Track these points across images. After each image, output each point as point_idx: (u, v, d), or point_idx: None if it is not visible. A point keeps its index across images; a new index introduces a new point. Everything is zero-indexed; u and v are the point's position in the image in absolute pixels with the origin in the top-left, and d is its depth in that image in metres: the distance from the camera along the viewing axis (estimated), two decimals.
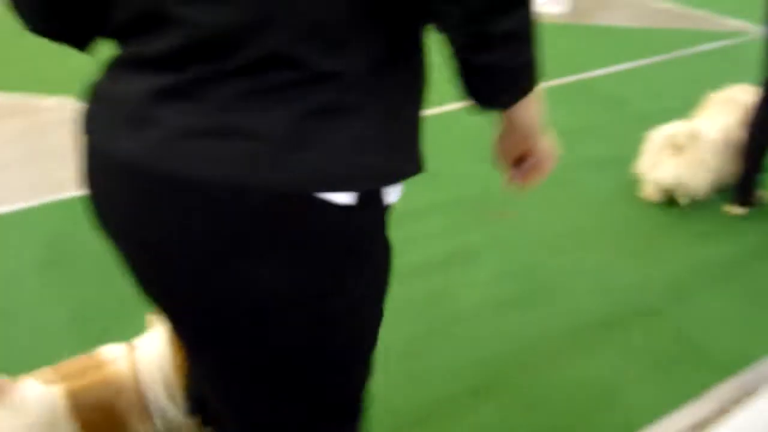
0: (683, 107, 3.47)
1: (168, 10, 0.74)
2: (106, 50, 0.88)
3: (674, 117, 3.09)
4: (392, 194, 0.86)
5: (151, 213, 0.79)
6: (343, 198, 0.79)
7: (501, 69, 0.80)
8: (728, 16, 5.85)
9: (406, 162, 0.85)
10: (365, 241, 0.86)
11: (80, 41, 0.91)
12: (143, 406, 1.46)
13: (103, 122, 0.83)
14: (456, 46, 0.79)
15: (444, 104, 3.65)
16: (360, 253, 0.85)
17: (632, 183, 3.06)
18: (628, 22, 5.78)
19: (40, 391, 1.39)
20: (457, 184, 3.10)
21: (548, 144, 0.96)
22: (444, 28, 0.78)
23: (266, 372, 0.90)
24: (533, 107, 0.89)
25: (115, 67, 0.83)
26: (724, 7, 6.04)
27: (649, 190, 2.94)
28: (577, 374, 2.01)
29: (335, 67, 0.75)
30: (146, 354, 1.48)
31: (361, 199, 0.81)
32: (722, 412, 1.86)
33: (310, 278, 0.82)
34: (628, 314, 2.28)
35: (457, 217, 2.84)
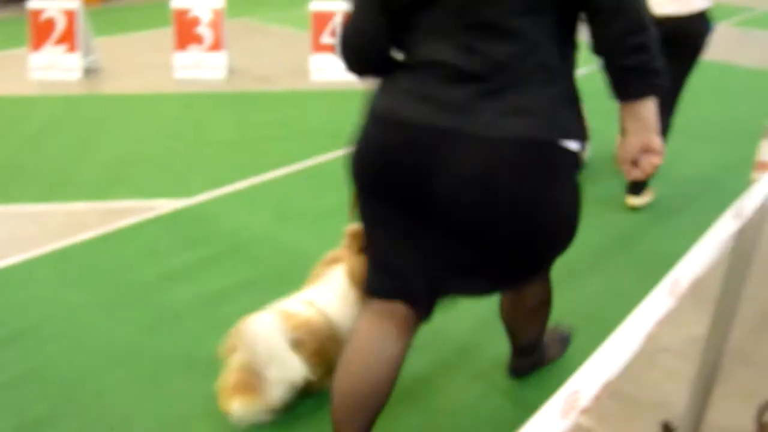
0: None
1: (477, 46, 1.38)
2: None
3: None
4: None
5: (491, 160, 1.37)
6: (575, 146, 1.43)
7: (645, 68, 1.36)
8: None
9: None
10: (578, 174, 1.50)
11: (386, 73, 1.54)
12: (335, 336, 2.02)
13: (448, 111, 1.39)
14: (613, 55, 1.38)
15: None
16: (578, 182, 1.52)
17: None
18: None
19: (273, 326, 1.92)
20: None
21: (659, 140, 1.47)
22: (604, 44, 1.39)
23: (523, 252, 1.50)
24: (655, 106, 1.43)
25: (421, 75, 1.43)
26: None
27: None
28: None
29: (559, 73, 1.42)
30: (327, 301, 2.08)
31: (581, 147, 1.45)
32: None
33: (561, 192, 1.47)
34: None
35: None
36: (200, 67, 5.93)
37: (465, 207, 1.40)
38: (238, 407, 1.95)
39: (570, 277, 3.01)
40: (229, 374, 2.00)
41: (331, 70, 5.92)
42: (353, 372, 1.62)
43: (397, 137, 1.44)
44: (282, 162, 4.20)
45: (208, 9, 5.88)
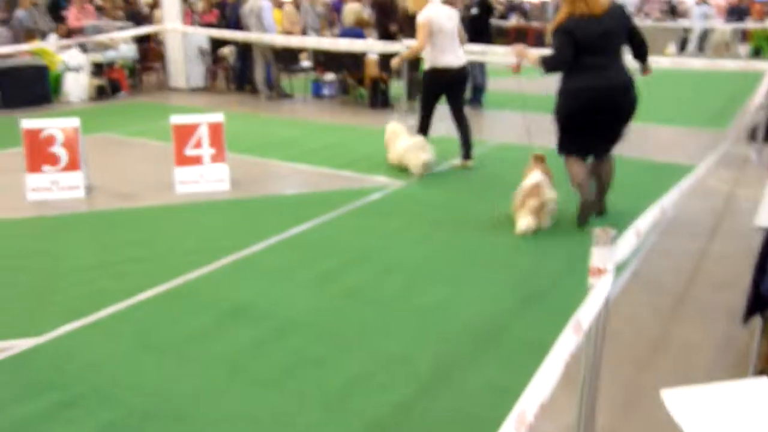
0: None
1: (607, 60, 4.68)
2: None
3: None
4: None
5: (625, 89, 4.65)
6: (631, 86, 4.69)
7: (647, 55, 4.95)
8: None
9: None
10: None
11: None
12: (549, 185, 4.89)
13: (598, 81, 4.60)
14: (644, 55, 4.91)
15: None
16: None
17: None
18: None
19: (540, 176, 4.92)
20: None
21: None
22: (641, 52, 4.90)
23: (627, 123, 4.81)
24: None
25: (591, 70, 4.61)
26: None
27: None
28: None
29: (623, 64, 4.73)
30: (541, 175, 4.91)
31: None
32: None
33: (636, 97, 4.71)
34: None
35: None
36: (56, 188, 5.63)
37: (623, 108, 4.67)
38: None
39: (446, 373, 3.00)
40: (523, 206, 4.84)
41: (195, 183, 5.81)
42: (582, 180, 4.81)
43: (596, 90, 4.58)
44: (145, 285, 3.99)
45: (62, 128, 5.65)
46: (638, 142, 7.93)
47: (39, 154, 5.61)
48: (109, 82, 11.27)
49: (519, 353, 3.22)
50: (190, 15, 12.70)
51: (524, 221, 4.76)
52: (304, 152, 7.32)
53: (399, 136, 6.66)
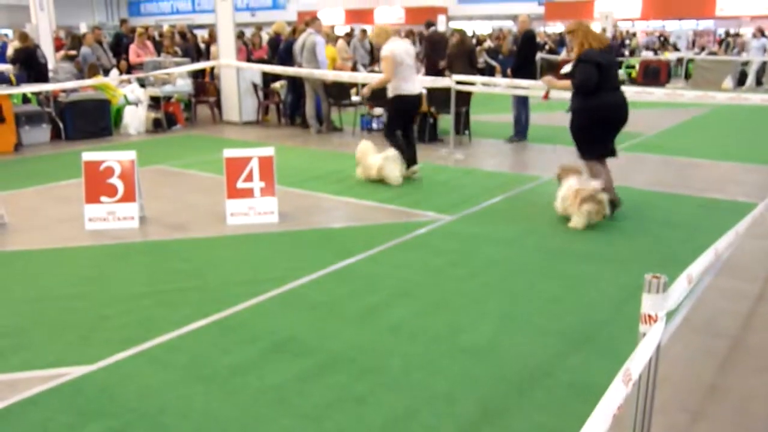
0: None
1: (617, 81, 6.12)
2: None
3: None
4: None
5: (627, 109, 5.94)
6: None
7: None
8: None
9: None
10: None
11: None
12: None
13: (617, 99, 5.92)
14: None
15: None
16: None
17: None
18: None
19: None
20: None
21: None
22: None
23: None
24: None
25: (612, 91, 5.90)
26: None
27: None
28: None
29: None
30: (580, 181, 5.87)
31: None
32: None
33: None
34: None
35: None
36: (112, 219, 5.82)
37: (626, 119, 5.94)
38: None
39: (491, 414, 2.95)
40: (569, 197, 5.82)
41: (245, 215, 5.93)
42: (608, 180, 5.99)
43: (618, 105, 5.88)
44: (195, 315, 4.07)
45: (119, 160, 5.87)
46: (695, 178, 7.75)
47: (97, 185, 5.83)
48: (166, 116, 11.68)
49: (566, 396, 3.15)
50: (244, 51, 13.09)
51: (580, 220, 5.75)
52: (351, 185, 7.40)
53: (370, 153, 7.48)
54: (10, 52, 13.43)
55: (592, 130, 5.92)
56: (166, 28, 22.80)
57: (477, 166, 8.54)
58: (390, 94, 7.39)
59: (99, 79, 11.39)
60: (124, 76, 12.04)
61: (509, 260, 5.05)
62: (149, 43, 13.33)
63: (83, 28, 23.60)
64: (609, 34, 22.27)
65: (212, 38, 14.00)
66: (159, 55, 13.12)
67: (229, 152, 6.00)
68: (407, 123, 7.71)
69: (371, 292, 4.43)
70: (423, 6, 30.40)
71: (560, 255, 5.15)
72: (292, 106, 12.04)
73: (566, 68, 6.51)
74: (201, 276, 4.76)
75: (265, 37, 14.24)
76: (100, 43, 13.62)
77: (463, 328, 3.89)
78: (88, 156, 5.88)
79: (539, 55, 19.57)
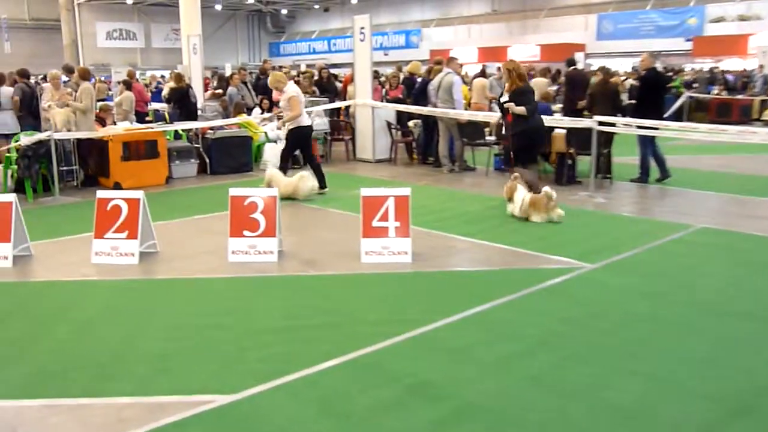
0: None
1: None
2: None
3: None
4: None
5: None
6: None
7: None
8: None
9: None
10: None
11: None
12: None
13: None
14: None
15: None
16: None
17: None
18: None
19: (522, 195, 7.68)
20: None
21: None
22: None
23: None
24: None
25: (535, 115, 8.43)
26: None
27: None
28: None
29: None
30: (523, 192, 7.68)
31: None
32: None
33: None
34: None
35: None
36: (253, 252, 6.16)
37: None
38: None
39: None
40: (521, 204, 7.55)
41: (379, 254, 6.06)
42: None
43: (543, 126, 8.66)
44: (331, 352, 4.18)
45: (263, 196, 6.22)
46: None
47: (241, 219, 6.20)
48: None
49: None
50: (379, 91, 13.54)
51: (542, 216, 7.51)
52: (485, 228, 7.37)
53: (279, 177, 8.98)
54: (165, 92, 14.73)
55: (534, 145, 8.41)
56: (303, 67, 24.11)
57: (619, 211, 8.22)
58: (292, 125, 9.18)
59: (243, 118, 12.19)
60: (266, 115, 12.80)
61: (657, 315, 4.78)
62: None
63: (228, 69, 25.39)
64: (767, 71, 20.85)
65: (348, 79, 14.60)
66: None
67: (366, 191, 6.19)
68: (307, 150, 9.63)
69: (508, 340, 4.36)
70: (559, 43, 30.06)
71: (714, 312, 4.82)
72: (425, 144, 12.24)
73: (504, 98, 8.28)
74: (337, 313, 4.90)
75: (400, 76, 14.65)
76: (245, 83, 14.61)
77: (607, 385, 3.72)
78: (234, 191, 6.29)
79: (686, 94, 18.68)
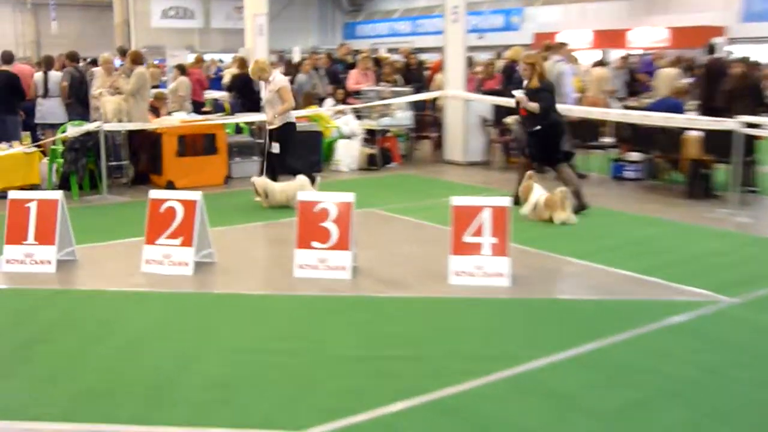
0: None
1: None
2: None
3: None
4: None
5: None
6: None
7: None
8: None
9: None
10: None
11: None
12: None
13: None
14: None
15: None
16: None
17: None
18: None
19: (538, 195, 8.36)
20: None
21: None
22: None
23: None
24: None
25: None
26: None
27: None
28: None
29: None
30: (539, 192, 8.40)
31: None
32: None
33: None
34: None
35: None
36: (323, 267, 6.25)
37: None
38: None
39: None
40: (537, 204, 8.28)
41: (470, 276, 6.03)
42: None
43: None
44: (408, 390, 4.19)
45: (336, 202, 6.30)
46: None
47: (310, 228, 6.30)
48: (381, 152, 12.38)
49: None
50: (473, 80, 13.51)
51: (564, 216, 8.18)
52: (599, 248, 7.22)
53: (270, 183, 9.12)
54: (226, 78, 15.18)
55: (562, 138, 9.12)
56: (383, 52, 24.32)
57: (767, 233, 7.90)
58: (284, 120, 9.28)
59: (314, 110, 12.43)
60: (340, 107, 13.01)
61: None
62: (371, 73, 14.28)
63: (296, 53, 25.93)
64: None
65: (437, 66, 14.65)
66: (378, 83, 14.00)
67: (458, 200, 6.18)
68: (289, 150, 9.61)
69: (628, 387, 4.25)
70: (694, 26, 29.16)
71: None
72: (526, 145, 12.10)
73: (519, 93, 8.87)
74: (418, 344, 4.91)
75: (498, 64, 14.59)
76: (316, 69, 14.90)
77: None
78: (303, 195, 6.41)
79: None
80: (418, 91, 13.69)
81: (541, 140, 8.77)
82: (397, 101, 12.68)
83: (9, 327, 5.25)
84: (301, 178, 9.14)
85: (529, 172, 8.63)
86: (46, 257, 6.49)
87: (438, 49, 14.37)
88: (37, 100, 12.07)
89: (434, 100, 13.62)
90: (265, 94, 9.63)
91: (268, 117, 9.45)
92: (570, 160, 9.23)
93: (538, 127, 8.66)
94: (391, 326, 5.24)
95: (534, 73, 8.75)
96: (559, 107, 10.62)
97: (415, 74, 15.17)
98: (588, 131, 11.26)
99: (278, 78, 9.46)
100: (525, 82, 8.98)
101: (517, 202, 8.48)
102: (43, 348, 4.85)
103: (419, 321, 5.35)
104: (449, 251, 6.15)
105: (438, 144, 13.38)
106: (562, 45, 11.65)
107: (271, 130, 9.41)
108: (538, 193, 8.34)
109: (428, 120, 13.70)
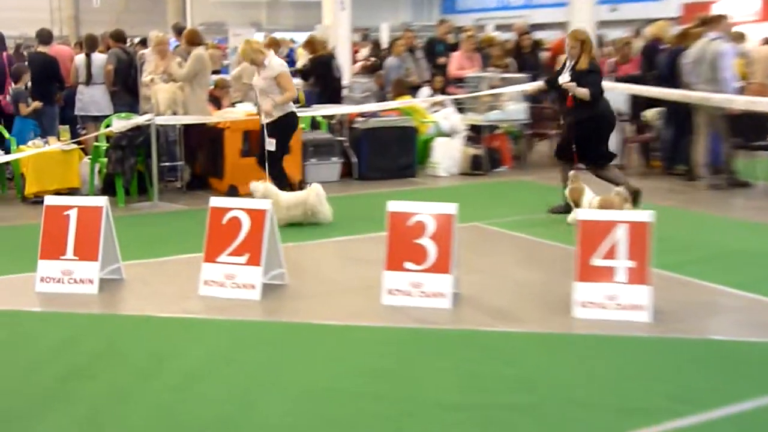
0: None
1: None
2: None
3: None
4: None
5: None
6: None
7: None
8: None
9: None
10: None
11: None
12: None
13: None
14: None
15: None
16: None
17: None
18: None
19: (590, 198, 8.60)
20: None
21: None
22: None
23: None
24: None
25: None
26: None
27: None
28: None
29: None
30: (590, 195, 8.67)
31: None
32: None
33: None
34: None
35: None
36: (417, 293, 6.29)
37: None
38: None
39: None
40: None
41: (601, 308, 5.98)
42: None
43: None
44: None
45: (434, 214, 6.33)
46: None
47: (403, 246, 6.35)
48: (488, 153, 12.37)
49: None
50: (603, 65, 13.36)
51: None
52: (764, 277, 7.04)
53: (277, 192, 8.83)
54: (300, 63, 15.45)
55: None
56: (490, 30, 24.24)
57: None
58: (280, 112, 9.40)
59: (407, 101, 12.52)
60: (438, 98, 13.07)
61: None
62: (478, 56, 14.28)
63: (384, 32, 26.15)
64: None
65: (558, 47, 14.54)
66: (485, 68, 14.00)
67: (586, 213, 6.13)
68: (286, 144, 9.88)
69: None
70: None
71: None
72: (672, 145, 11.90)
73: (565, 78, 9.18)
74: (533, 389, 4.89)
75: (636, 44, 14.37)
76: (411, 51, 14.99)
77: None
78: (395, 206, 6.46)
79: None
80: (533, 78, 13.61)
81: (585, 133, 9.20)
82: (508, 90, 12.62)
83: (44, 358, 5.46)
84: (315, 187, 9.20)
85: (572, 173, 8.85)
86: (87, 275, 6.74)
87: (560, 26, 14.26)
88: (77, 87, 12.38)
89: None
90: (257, 80, 9.61)
91: (264, 108, 9.44)
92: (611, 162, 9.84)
93: (588, 115, 9.15)
94: (501, 367, 5.22)
95: (584, 52, 9.10)
96: (710, 97, 10.49)
97: (529, 58, 15.07)
98: (753, 128, 10.98)
99: (275, 62, 9.55)
100: (569, 63, 9.33)
101: (566, 209, 8.93)
102: (84, 384, 5.03)
103: (535, 362, 5.32)
104: (574, 277, 6.10)
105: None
106: (721, 18, 11.39)
107: (266, 124, 9.43)
108: (588, 195, 8.56)
109: (547, 114, 13.60)
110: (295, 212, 8.93)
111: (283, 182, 9.37)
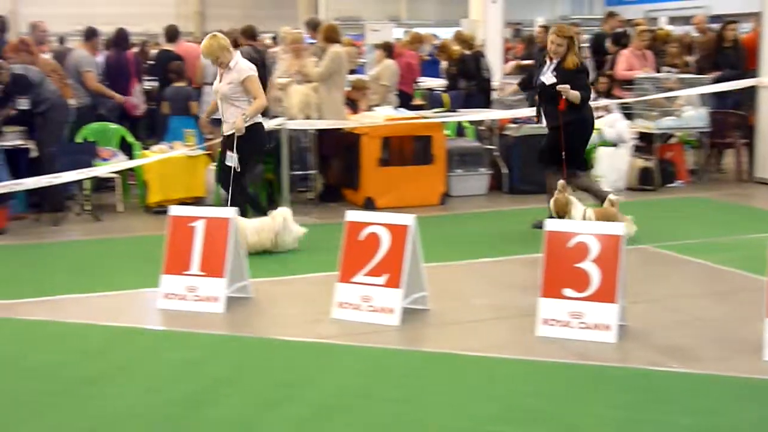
0: None
1: None
2: None
3: None
4: None
5: None
6: None
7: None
8: None
9: None
10: None
11: None
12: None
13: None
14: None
15: None
16: None
17: None
18: None
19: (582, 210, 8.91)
20: None
21: None
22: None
23: None
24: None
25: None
26: None
27: None
28: None
29: None
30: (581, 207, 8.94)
31: None
32: None
33: None
34: None
35: None
36: (577, 325, 6.20)
37: None
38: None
39: None
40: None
41: None
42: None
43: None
44: None
45: (597, 234, 6.24)
46: None
47: (562, 270, 6.28)
48: (661, 165, 12.10)
49: None
50: None
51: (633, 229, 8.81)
52: None
53: (241, 221, 8.09)
54: (446, 62, 15.48)
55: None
56: (663, 23, 23.67)
57: None
58: (249, 122, 8.97)
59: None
60: (602, 102, 12.87)
61: None
62: (650, 54, 13.95)
63: (539, 25, 25.91)
64: None
65: (750, 41, 14.07)
66: (659, 68, 13.69)
67: None
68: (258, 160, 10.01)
69: None
70: None
71: None
72: None
73: (550, 78, 9.35)
74: None
75: None
76: None
77: None
78: (554, 225, 6.41)
79: None
80: (736, 78, 13.06)
81: (572, 137, 9.41)
82: (688, 93, 12.29)
83: (164, 381, 5.65)
84: (283, 211, 8.98)
85: (561, 182, 8.96)
86: (213, 293, 6.95)
87: (752, 16, 13.83)
88: (202, 88, 12.77)
89: (743, 91, 13.08)
90: (218, 85, 9.09)
91: (235, 124, 8.85)
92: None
93: (575, 118, 9.39)
94: (675, 416, 5.09)
95: (571, 50, 9.41)
96: None
97: (731, 54, 14.20)
98: None
99: (242, 64, 9.02)
100: (549, 64, 9.50)
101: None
102: (205, 411, 5.17)
103: (717, 410, 5.17)
104: (766, 312, 5.90)
105: (746, 155, 12.84)
106: None
107: (228, 136, 9.08)
108: (579, 207, 8.87)
109: (732, 121, 13.17)
110: (258, 239, 8.68)
111: (244, 204, 9.00)
